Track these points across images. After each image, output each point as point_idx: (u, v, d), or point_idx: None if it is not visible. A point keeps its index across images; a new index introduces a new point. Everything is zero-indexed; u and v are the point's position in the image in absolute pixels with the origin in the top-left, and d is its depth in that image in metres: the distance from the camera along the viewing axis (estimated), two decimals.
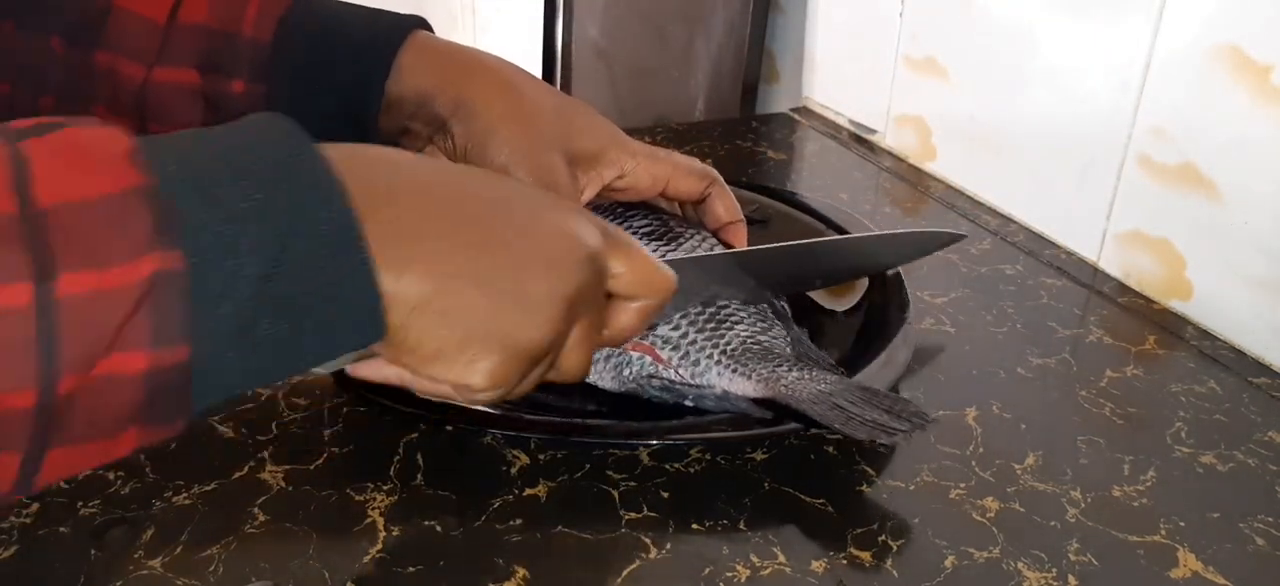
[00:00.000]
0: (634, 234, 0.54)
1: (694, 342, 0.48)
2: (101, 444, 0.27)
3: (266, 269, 0.27)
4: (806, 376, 0.46)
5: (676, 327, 0.49)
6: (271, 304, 0.28)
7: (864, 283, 0.60)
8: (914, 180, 0.85)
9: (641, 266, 0.38)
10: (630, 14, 0.99)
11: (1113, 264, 0.70)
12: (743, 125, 0.96)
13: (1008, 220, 0.77)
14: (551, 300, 0.34)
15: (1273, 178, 0.59)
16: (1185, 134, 0.64)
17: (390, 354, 0.33)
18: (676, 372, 0.48)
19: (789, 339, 0.50)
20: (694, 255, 0.50)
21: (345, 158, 0.30)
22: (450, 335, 0.32)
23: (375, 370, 0.36)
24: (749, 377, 0.47)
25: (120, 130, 0.27)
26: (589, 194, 0.51)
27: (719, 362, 0.47)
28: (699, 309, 0.50)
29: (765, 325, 0.50)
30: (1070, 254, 0.72)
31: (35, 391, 0.25)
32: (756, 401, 0.46)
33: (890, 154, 0.91)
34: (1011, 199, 0.78)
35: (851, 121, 0.96)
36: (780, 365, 0.47)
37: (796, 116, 1.00)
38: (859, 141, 0.94)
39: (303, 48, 0.49)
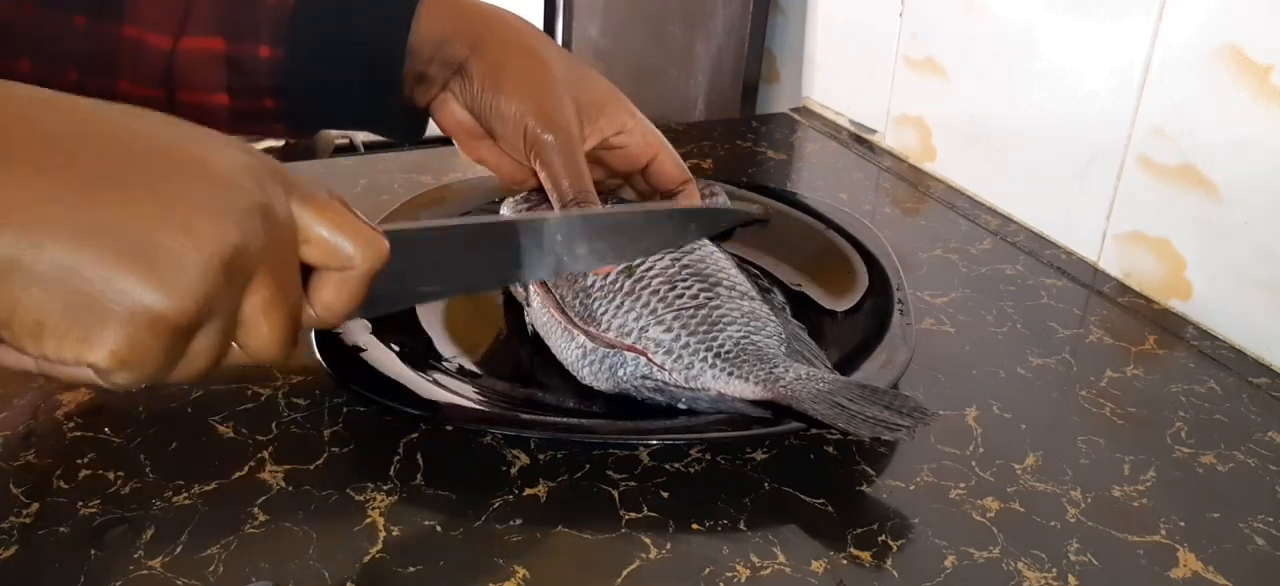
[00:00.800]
0: None
1: (686, 345, 0.48)
2: None
3: None
4: (804, 375, 0.46)
5: (669, 330, 0.48)
6: None
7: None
8: (914, 180, 0.85)
9: (340, 227, 0.33)
10: (630, 14, 1.00)
11: (1113, 264, 0.70)
12: (743, 125, 0.96)
13: (1008, 220, 0.77)
14: (195, 259, 0.28)
15: (1273, 178, 0.59)
16: (1185, 134, 0.64)
17: None
18: (670, 375, 0.48)
19: (783, 337, 0.50)
20: (427, 223, 0.45)
21: None
22: (50, 303, 0.27)
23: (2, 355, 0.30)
24: (746, 380, 0.47)
25: None
26: (591, 142, 0.53)
27: (713, 366, 0.47)
28: (691, 311, 0.49)
29: (758, 324, 0.50)
30: (1070, 254, 0.72)
31: None
32: (755, 403, 0.46)
33: (890, 154, 0.91)
34: (1011, 199, 0.78)
35: (851, 121, 0.96)
36: (776, 365, 0.47)
37: (796, 116, 1.00)
38: (859, 141, 0.94)
39: (324, 9, 0.50)
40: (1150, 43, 0.65)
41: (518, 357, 0.54)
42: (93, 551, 0.40)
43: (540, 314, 0.52)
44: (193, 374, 0.31)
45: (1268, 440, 0.51)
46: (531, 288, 0.53)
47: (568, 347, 0.50)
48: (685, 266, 0.52)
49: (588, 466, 0.46)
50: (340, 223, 0.33)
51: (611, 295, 0.50)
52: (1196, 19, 0.62)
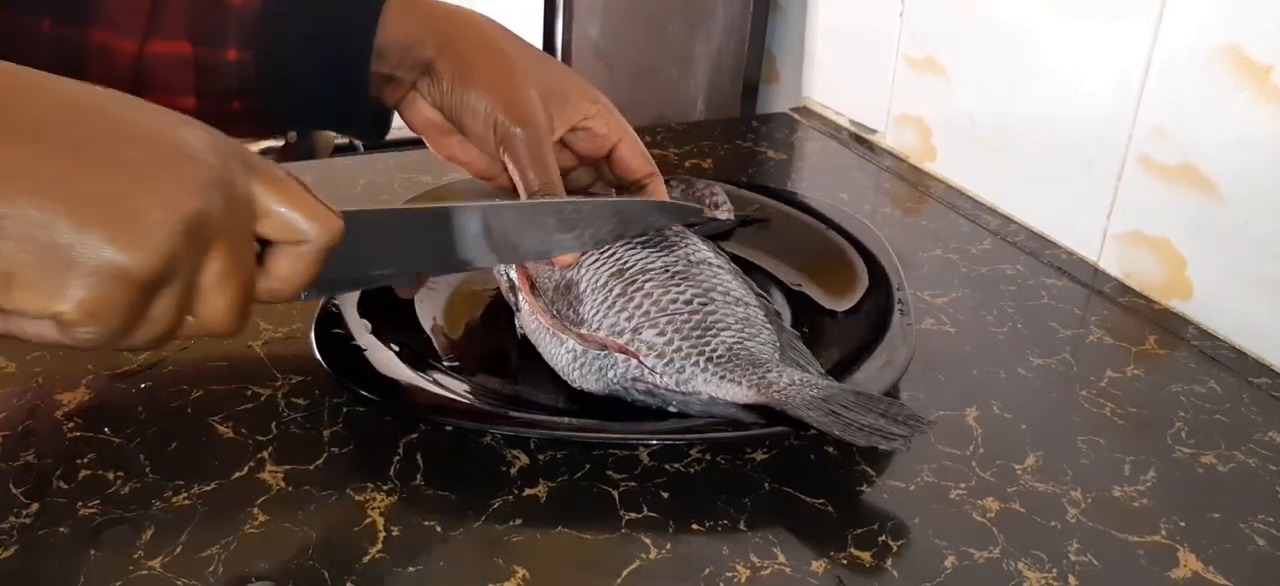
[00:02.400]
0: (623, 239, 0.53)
1: (679, 349, 0.47)
2: None
3: None
4: (798, 380, 0.46)
5: (661, 333, 0.48)
6: None
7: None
8: (914, 180, 0.85)
9: (295, 202, 0.35)
10: (630, 14, 1.00)
11: (1113, 264, 0.70)
12: (743, 125, 0.96)
13: (1008, 220, 0.77)
14: (162, 219, 0.30)
15: (1273, 178, 0.59)
16: (1185, 134, 0.64)
17: None
18: (660, 378, 0.47)
19: (777, 344, 0.50)
20: (381, 207, 0.44)
21: None
22: (22, 253, 0.29)
23: None
24: (738, 384, 0.46)
25: None
26: (559, 131, 0.54)
27: (705, 370, 0.47)
28: (685, 316, 0.49)
29: (753, 330, 0.49)
30: (1070, 254, 0.72)
31: None
32: (747, 407, 0.46)
33: (890, 154, 0.91)
34: (1012, 199, 0.78)
35: (851, 121, 0.96)
36: (769, 370, 0.47)
37: (796, 116, 1.00)
38: (859, 141, 0.94)
39: (290, 12, 0.51)
40: (1150, 43, 0.65)
41: (518, 360, 0.54)
42: (93, 551, 0.40)
43: (529, 319, 0.52)
44: (151, 338, 0.32)
45: (1268, 440, 0.51)
46: (520, 293, 0.53)
47: (558, 352, 0.50)
48: (679, 273, 0.51)
49: (588, 466, 0.46)
50: (297, 200, 0.35)
51: (603, 298, 0.50)
52: (1196, 19, 0.62)
